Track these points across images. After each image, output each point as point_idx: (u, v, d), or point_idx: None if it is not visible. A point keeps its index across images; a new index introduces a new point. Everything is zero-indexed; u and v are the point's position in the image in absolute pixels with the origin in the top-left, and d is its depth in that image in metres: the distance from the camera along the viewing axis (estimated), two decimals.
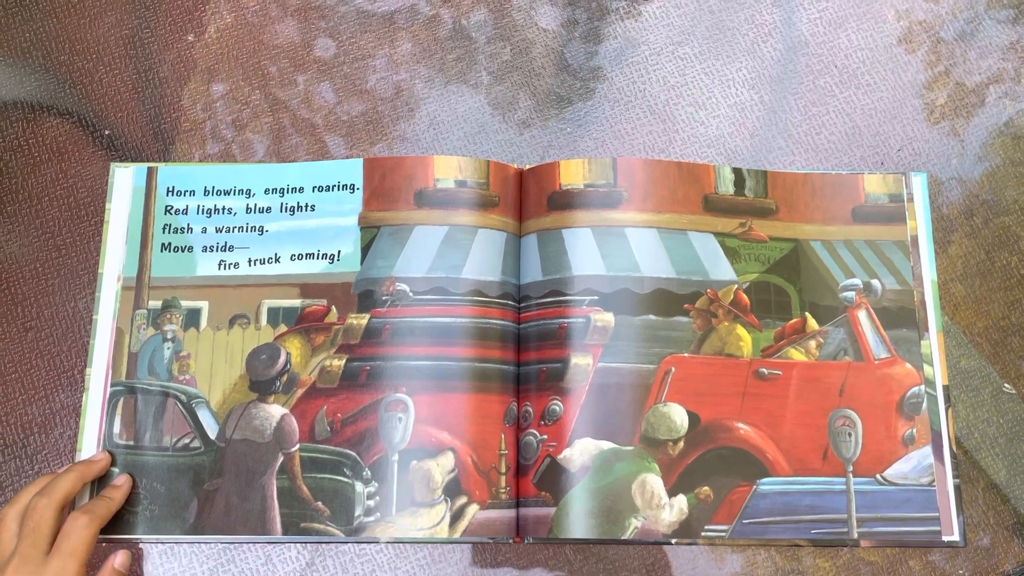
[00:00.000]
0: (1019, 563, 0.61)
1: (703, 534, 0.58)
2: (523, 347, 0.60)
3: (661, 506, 0.58)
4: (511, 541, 0.58)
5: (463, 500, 0.57)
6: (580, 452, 0.58)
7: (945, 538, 0.59)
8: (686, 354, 0.61)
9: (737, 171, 0.64)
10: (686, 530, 0.58)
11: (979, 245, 0.66)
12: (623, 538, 0.57)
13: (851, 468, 0.60)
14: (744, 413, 0.60)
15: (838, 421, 0.60)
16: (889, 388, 0.61)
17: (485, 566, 0.60)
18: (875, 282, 0.63)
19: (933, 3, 0.70)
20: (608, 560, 0.60)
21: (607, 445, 0.58)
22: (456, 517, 0.57)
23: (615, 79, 0.69)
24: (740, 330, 0.62)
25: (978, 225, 0.66)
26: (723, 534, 0.58)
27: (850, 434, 0.60)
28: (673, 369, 0.60)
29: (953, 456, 0.60)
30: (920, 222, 0.64)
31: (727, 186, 0.64)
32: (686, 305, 0.61)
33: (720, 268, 0.62)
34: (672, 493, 0.59)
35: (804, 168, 0.67)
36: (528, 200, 0.63)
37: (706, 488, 0.59)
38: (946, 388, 0.61)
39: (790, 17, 0.70)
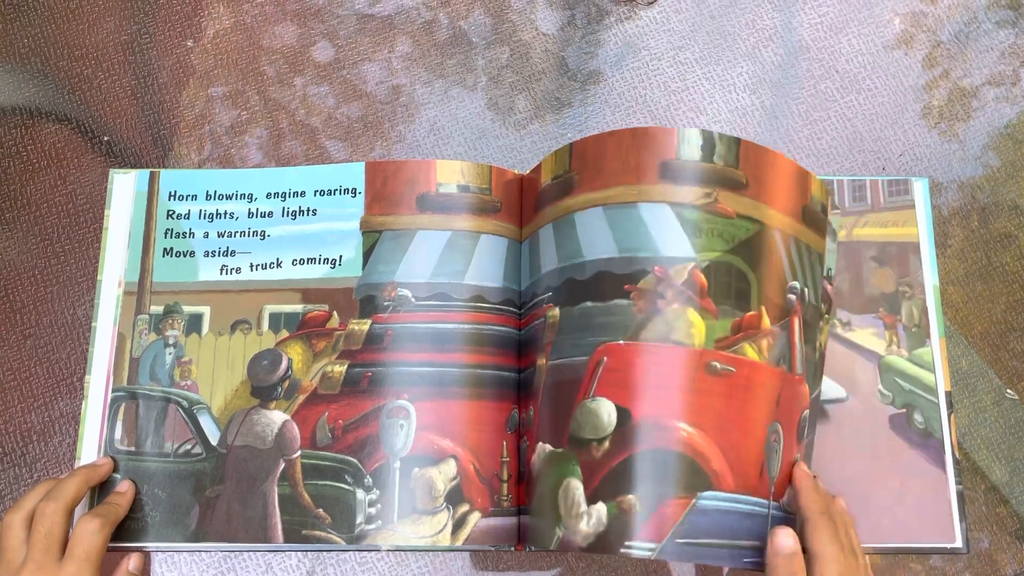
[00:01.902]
0: (1020, 567, 0.61)
1: (622, 551, 0.49)
2: (524, 353, 0.60)
3: (579, 515, 0.51)
4: (512, 549, 0.58)
5: (465, 508, 0.57)
6: (538, 458, 0.55)
7: (948, 545, 0.59)
8: (621, 341, 0.52)
9: (707, 134, 0.54)
10: (603, 543, 0.50)
11: (978, 247, 0.66)
12: (550, 549, 0.52)
13: (773, 489, 0.52)
14: (689, 412, 0.50)
15: (772, 435, 0.52)
16: (801, 407, 0.55)
17: (486, 573, 0.60)
18: (806, 289, 0.56)
19: (931, 5, 0.70)
20: (611, 568, 0.60)
21: (547, 449, 0.54)
22: (458, 525, 0.57)
23: (615, 83, 0.69)
24: (692, 315, 0.52)
25: (977, 227, 0.66)
26: (649, 552, 0.49)
27: (776, 452, 0.53)
28: (605, 359, 0.52)
29: (956, 463, 0.60)
30: (922, 227, 0.64)
31: (692, 151, 0.54)
32: (627, 286, 0.53)
33: (674, 243, 0.53)
34: (591, 500, 0.50)
35: None
36: (526, 206, 0.62)
37: (630, 497, 0.49)
38: (948, 394, 0.61)
39: (790, 21, 0.70)
